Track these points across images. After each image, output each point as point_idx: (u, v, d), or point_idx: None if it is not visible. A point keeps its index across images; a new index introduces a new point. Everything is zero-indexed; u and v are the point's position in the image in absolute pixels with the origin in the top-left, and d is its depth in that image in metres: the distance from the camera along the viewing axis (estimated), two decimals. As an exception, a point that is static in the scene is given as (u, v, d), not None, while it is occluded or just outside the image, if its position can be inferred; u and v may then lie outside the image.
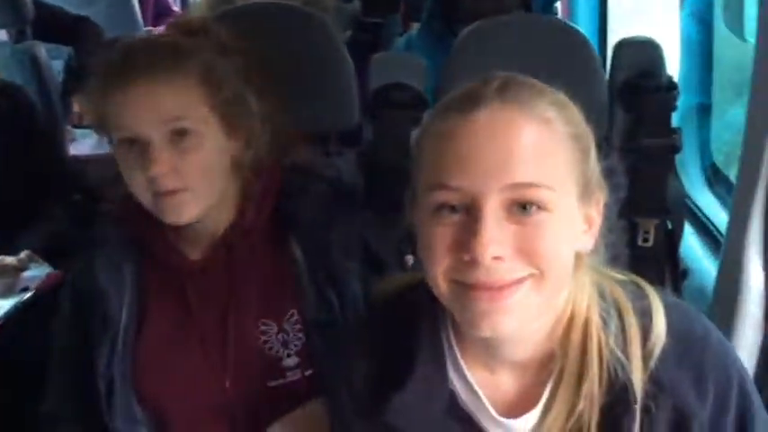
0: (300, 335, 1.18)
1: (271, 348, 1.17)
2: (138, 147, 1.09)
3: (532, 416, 0.89)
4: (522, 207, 0.80)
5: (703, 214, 2.14)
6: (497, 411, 0.90)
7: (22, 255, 1.80)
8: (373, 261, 1.21)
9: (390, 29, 3.10)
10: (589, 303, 0.88)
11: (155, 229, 1.19)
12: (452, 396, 0.91)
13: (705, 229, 2.09)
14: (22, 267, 1.79)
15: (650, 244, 1.70)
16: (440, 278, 0.83)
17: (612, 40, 2.58)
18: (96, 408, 1.20)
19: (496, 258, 0.79)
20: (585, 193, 0.85)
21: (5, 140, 2.02)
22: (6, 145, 2.01)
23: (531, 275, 0.81)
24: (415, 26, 2.87)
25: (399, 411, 0.89)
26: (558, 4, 2.99)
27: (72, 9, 3.04)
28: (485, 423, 0.90)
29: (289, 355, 1.17)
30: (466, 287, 0.82)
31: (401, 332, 0.92)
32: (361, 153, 1.69)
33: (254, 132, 1.17)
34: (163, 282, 1.21)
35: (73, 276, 1.25)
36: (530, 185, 0.80)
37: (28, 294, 1.71)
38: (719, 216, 2.06)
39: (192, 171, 1.10)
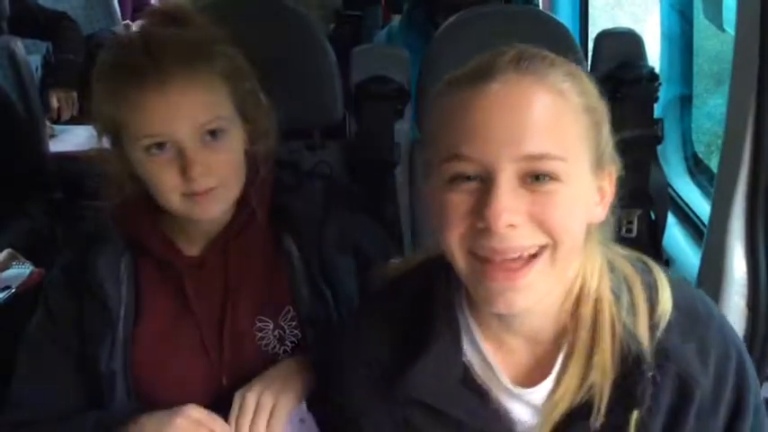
0: (296, 331, 1.17)
1: (267, 345, 1.17)
2: (171, 150, 1.07)
3: (544, 386, 0.90)
4: (535, 177, 0.81)
5: (685, 204, 2.15)
6: (511, 382, 0.91)
7: (4, 253, 1.78)
8: (364, 259, 1.21)
9: (371, 21, 3.09)
10: (600, 275, 0.90)
11: (151, 226, 1.18)
12: (466, 368, 0.92)
13: (687, 219, 2.10)
14: (2, 267, 1.77)
15: (633, 234, 1.71)
16: (456, 248, 0.84)
17: (593, 32, 2.59)
18: (84, 405, 1.18)
19: (510, 226, 0.81)
20: (598, 165, 0.86)
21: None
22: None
23: (545, 248, 0.83)
24: (396, 18, 2.87)
25: (417, 383, 0.90)
26: (539, -5, 3.00)
27: (49, 4, 3.00)
28: (498, 394, 0.92)
29: (285, 352, 1.17)
30: (482, 264, 0.83)
31: (417, 306, 0.94)
32: (345, 146, 1.68)
33: (265, 125, 1.17)
34: (160, 278, 1.20)
35: (62, 273, 1.22)
36: (543, 156, 0.80)
37: (9, 293, 1.70)
38: (702, 206, 2.08)
39: (225, 168, 1.10)
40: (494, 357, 0.92)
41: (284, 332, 1.17)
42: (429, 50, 1.69)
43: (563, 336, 0.90)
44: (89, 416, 1.17)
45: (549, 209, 0.81)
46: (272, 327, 1.17)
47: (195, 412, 1.09)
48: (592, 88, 0.86)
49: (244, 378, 1.14)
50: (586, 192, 0.85)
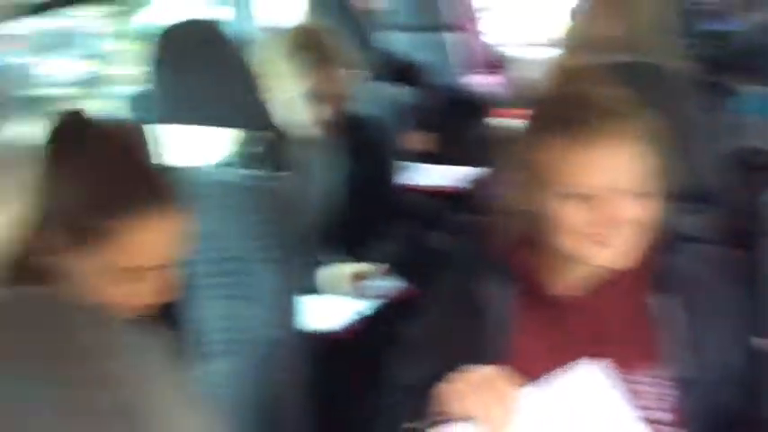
0: (672, 391, 1.18)
1: (642, 400, 1.17)
2: (589, 200, 1.14)
3: None
4: None
5: None
6: None
7: (378, 266, 2.04)
8: (734, 327, 1.22)
9: (726, 88, 3.00)
10: None
11: (535, 263, 1.24)
12: None
13: None
14: (376, 276, 2.04)
15: None
16: None
17: None
18: None
19: None
20: None
21: (368, 164, 2.32)
22: (367, 167, 2.31)
23: None
24: (749, 87, 2.75)
25: None
26: None
27: (415, 54, 3.47)
28: None
29: (661, 410, 1.18)
30: None
31: None
32: (714, 213, 1.67)
33: (659, 189, 1.19)
34: (535, 316, 1.25)
35: (448, 292, 1.31)
36: None
37: (381, 302, 1.94)
38: None
39: (629, 224, 1.15)
40: None
41: (661, 390, 1.18)
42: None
43: None
44: None
45: None
46: (648, 382, 1.18)
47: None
48: None
49: None
50: None
